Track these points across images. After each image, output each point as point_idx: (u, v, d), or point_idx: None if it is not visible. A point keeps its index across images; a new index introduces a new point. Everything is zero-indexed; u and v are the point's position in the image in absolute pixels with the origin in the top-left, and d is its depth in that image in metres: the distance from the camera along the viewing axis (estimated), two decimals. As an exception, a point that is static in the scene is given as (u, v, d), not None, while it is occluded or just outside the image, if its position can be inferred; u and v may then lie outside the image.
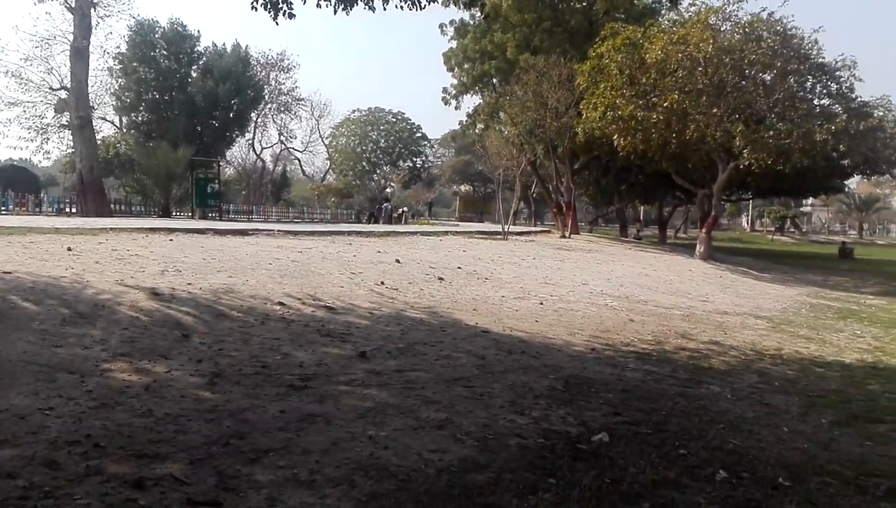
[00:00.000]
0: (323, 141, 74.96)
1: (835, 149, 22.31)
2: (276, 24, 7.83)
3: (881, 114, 22.81)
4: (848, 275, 25.78)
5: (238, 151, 65.93)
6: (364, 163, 75.19)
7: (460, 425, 4.74)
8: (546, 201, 44.41)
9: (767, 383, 7.10)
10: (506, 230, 25.24)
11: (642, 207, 58.28)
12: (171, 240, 12.76)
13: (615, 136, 23.00)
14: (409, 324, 8.01)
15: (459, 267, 13.76)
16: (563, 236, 29.66)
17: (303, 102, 65.02)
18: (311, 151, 76.23)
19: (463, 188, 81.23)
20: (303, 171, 78.26)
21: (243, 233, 15.61)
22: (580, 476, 3.99)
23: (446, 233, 23.42)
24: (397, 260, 13.30)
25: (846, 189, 53.86)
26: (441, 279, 11.87)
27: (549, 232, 34.61)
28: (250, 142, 64.13)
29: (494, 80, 34.87)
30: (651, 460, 4.36)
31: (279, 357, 6.10)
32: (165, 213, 33.65)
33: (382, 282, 10.65)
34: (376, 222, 37.61)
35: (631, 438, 4.78)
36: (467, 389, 5.69)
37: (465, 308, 9.72)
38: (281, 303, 8.14)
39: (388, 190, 70.28)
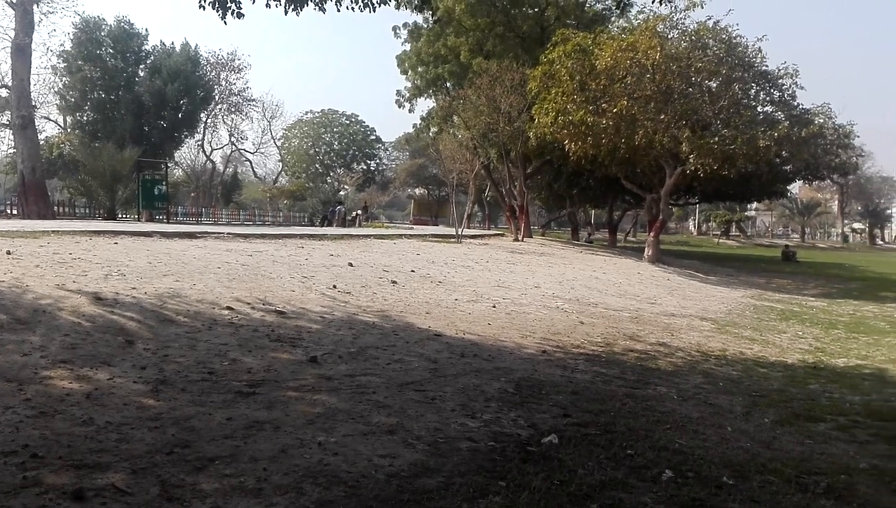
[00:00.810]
0: (275, 142, 73.94)
1: (777, 155, 23.05)
2: (225, 23, 7.70)
3: (822, 121, 23.66)
4: (790, 278, 26.65)
5: (187, 152, 64.55)
6: (317, 166, 74.49)
7: (411, 429, 4.72)
8: (500, 205, 44.73)
9: (712, 383, 7.28)
10: (459, 233, 25.33)
11: (593, 211, 59.19)
12: (115, 243, 12.40)
13: (566, 141, 23.34)
14: (361, 328, 7.96)
15: (413, 271, 13.73)
16: (517, 239, 29.91)
17: (254, 103, 64.00)
18: (262, 153, 75.01)
19: (417, 191, 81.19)
20: (254, 173, 77.02)
21: (191, 235, 15.28)
22: (530, 478, 4.01)
23: (400, 236, 23.37)
24: (350, 264, 13.20)
25: (789, 194, 55.67)
26: (394, 282, 11.83)
27: (502, 235, 34.86)
28: (200, 143, 62.82)
29: (448, 84, 35.00)
30: (599, 461, 4.42)
31: (227, 363, 5.98)
32: (111, 216, 32.69)
33: (335, 286, 10.55)
34: (330, 225, 37.28)
35: (580, 439, 4.84)
36: (419, 393, 5.67)
37: (419, 311, 9.70)
38: (229, 308, 7.99)
39: (341, 192, 69.75)
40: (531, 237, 33.12)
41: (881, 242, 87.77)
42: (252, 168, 76.56)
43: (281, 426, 4.57)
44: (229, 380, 5.50)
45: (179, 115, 50.29)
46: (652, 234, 27.20)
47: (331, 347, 6.91)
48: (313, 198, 57.80)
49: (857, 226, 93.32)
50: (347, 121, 76.05)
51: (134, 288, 8.27)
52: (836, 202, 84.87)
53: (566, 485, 3.96)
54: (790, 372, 8.37)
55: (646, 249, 26.64)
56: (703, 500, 3.94)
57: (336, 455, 4.14)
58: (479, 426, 4.98)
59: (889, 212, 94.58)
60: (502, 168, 33.76)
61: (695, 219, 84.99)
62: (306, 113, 76.46)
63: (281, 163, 75.72)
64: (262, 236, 17.18)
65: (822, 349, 10.32)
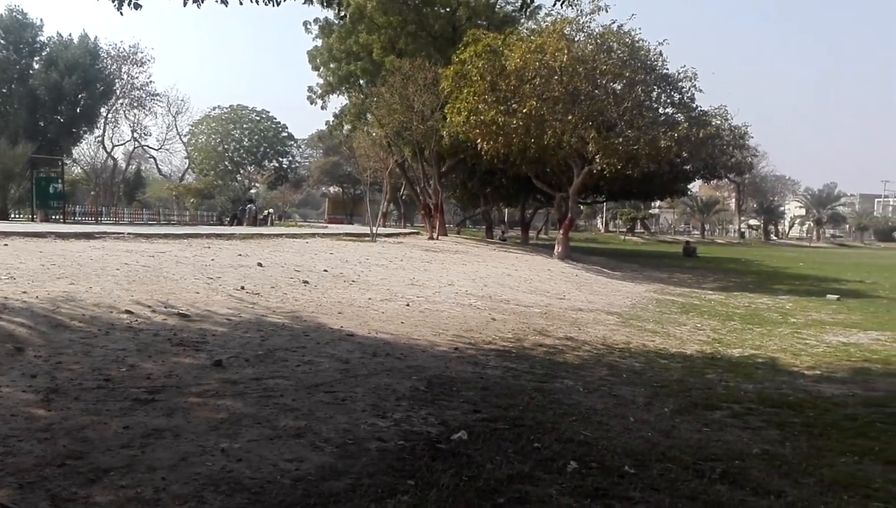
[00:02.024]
0: (181, 139, 71.32)
1: (678, 155, 24.10)
2: (121, 13, 7.32)
3: (718, 122, 24.86)
4: (691, 272, 27.93)
5: (87, 149, 61.36)
6: (226, 163, 72.37)
7: (319, 432, 4.65)
8: (415, 203, 44.79)
9: (616, 375, 7.53)
10: (374, 232, 25.18)
11: (507, 209, 60.19)
12: (5, 244, 11.65)
13: (479, 140, 23.63)
14: (269, 330, 7.78)
15: (326, 270, 13.56)
16: (432, 237, 30.03)
17: (158, 98, 61.56)
18: (168, 150, 72.24)
19: (332, 189, 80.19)
20: (159, 171, 74.06)
21: (89, 236, 14.52)
22: (439, 475, 4.02)
23: (313, 235, 23.03)
24: (259, 264, 12.89)
25: (689, 192, 58.41)
26: (306, 282, 11.64)
27: (418, 233, 34.91)
28: (100, 139, 59.85)
29: (361, 81, 34.73)
30: (507, 455, 4.48)
31: (125, 369, 5.71)
32: (2, 216, 30.73)
33: (242, 287, 10.28)
34: (239, 224, 36.29)
35: (489, 435, 4.90)
36: (329, 394, 5.60)
37: (331, 311, 9.58)
38: (128, 312, 7.64)
39: (252, 190, 68.00)
40: (446, 235, 33.34)
41: (775, 238, 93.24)
42: (157, 165, 73.69)
43: (181, 433, 4.41)
44: (127, 387, 5.25)
45: (77, 110, 47.81)
46: (561, 232, 27.90)
47: (237, 350, 6.72)
48: (222, 196, 56.10)
49: (752, 222, 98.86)
50: (258, 118, 74.24)
51: (24, 293, 7.79)
52: (734, 200, 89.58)
53: (474, 481, 3.99)
54: (689, 362, 8.76)
55: (556, 246, 27.30)
56: (606, 490, 4.06)
57: (240, 462, 4.02)
58: (390, 425, 4.97)
59: (782, 209, 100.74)
60: (417, 166, 33.82)
61: (602, 217, 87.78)
62: (214, 108, 74.15)
63: (188, 161, 73.14)
64: (166, 236, 16.55)
65: (719, 340, 10.86)
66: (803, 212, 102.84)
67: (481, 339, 8.94)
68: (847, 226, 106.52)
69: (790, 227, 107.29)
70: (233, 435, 4.45)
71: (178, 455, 4.04)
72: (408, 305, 10.99)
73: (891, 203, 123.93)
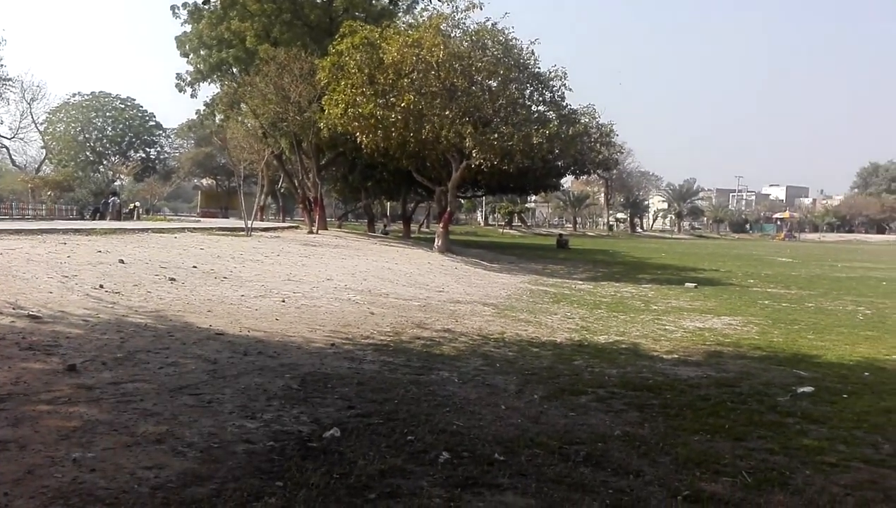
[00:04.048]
0: (37, 127, 65.69)
1: (550, 151, 24.94)
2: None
3: (587, 120, 25.97)
4: (563, 264, 29.07)
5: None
6: (88, 153, 67.57)
7: (182, 437, 4.43)
8: (294, 196, 43.76)
9: (490, 365, 7.71)
10: (249, 226, 24.36)
11: (389, 203, 60.11)
12: None
13: (358, 133, 23.43)
14: (130, 331, 7.33)
15: (195, 267, 12.96)
16: (311, 232, 29.45)
17: (10, 83, 56.30)
18: (22, 139, 66.25)
19: (205, 182, 76.88)
20: (13, 162, 67.92)
21: (-78, 233, 13.11)
22: (309, 475, 3.95)
23: (183, 229, 21.96)
24: (121, 261, 12.13)
25: (562, 187, 60.74)
26: (172, 280, 11.07)
27: (297, 227, 34.14)
28: (-60, 126, 54.06)
29: (234, 69, 33.48)
30: (380, 450, 4.47)
31: (-39, 379, 5.20)
32: None
33: (102, 286, 9.63)
34: (102, 218, 33.99)
35: (363, 430, 4.86)
36: (194, 397, 5.35)
37: (199, 310, 9.18)
38: (-32, 315, 6.96)
39: (116, 183, 63.93)
40: (327, 229, 32.80)
41: (640, 230, 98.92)
42: (10, 155, 67.53)
43: (28, 444, 4.07)
44: (-37, 399, 4.78)
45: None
46: (441, 226, 28.22)
47: (93, 353, 6.28)
48: (83, 188, 52.37)
49: (620, 215, 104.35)
50: (122, 105, 69.81)
51: None
52: (603, 195, 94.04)
53: (346, 478, 3.95)
54: (559, 350, 9.11)
55: (436, 240, 27.58)
56: (476, 478, 4.14)
57: (93, 472, 3.77)
58: (259, 426, 4.81)
59: (647, 203, 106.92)
60: (295, 159, 33.06)
61: (482, 211, 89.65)
62: (74, 95, 68.90)
63: (45, 151, 67.56)
64: (18, 232, 15.24)
65: (587, 327, 11.37)
66: (666, 205, 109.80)
67: (359, 334, 8.87)
68: (705, 218, 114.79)
69: (654, 220, 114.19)
70: (86, 444, 4.16)
71: (24, 467, 3.73)
72: (283, 301, 10.72)
73: (744, 197, 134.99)
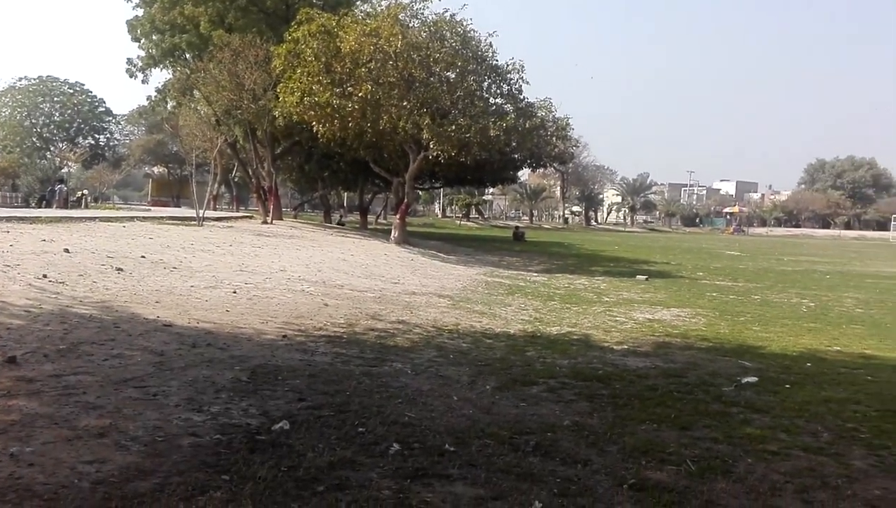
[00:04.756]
0: (-21, 112, 63.38)
1: (507, 144, 25.05)
2: None
3: (543, 114, 26.10)
4: (519, 256, 29.29)
5: None
6: (34, 139, 65.46)
7: (126, 430, 4.33)
8: (249, 186, 43.06)
9: (444, 356, 7.72)
10: (201, 215, 23.87)
11: (346, 194, 59.61)
12: None
13: (314, 123, 23.14)
14: (75, 322, 7.11)
15: (143, 257, 12.65)
16: (265, 222, 29.02)
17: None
18: (-38, 124, 63.91)
19: (156, 170, 75.12)
20: (-47, 148, 65.39)
21: None
22: (256, 468, 3.90)
23: (132, 218, 21.41)
24: (66, 250, 11.76)
25: (519, 180, 61.11)
26: (120, 270, 10.78)
27: (251, 217, 33.59)
28: None
29: (187, 55, 32.72)
30: (330, 442, 4.44)
31: None
32: None
33: (45, 276, 9.32)
34: (48, 206, 32.93)
35: (313, 422, 4.82)
36: (139, 390, 5.23)
37: (147, 301, 8.96)
38: None
39: (63, 170, 62.07)
40: (282, 219, 32.36)
41: (595, 223, 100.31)
42: (-51, 141, 64.96)
43: (-38, 441, 3.92)
44: None
45: None
46: (398, 217, 28.12)
47: (35, 345, 6.08)
48: (29, 175, 50.80)
49: (575, 208, 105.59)
50: (71, 90, 67.76)
51: None
52: (559, 188, 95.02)
53: (294, 471, 3.92)
54: (512, 341, 9.18)
55: (393, 231, 27.48)
56: (427, 469, 4.15)
57: (32, 467, 3.66)
58: (206, 419, 4.73)
59: (601, 196, 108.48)
60: (249, 147, 32.49)
61: (440, 203, 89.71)
62: (20, 79, 66.58)
63: (-12, 136, 65.18)
64: (-46, 220, 14.64)
65: (540, 319, 11.48)
66: (620, 199, 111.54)
67: (312, 326, 8.79)
68: (658, 212, 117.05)
69: (608, 213, 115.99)
70: (25, 438, 4.04)
71: (-43, 464, 3.59)
72: (234, 292, 10.54)
73: (695, 191, 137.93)
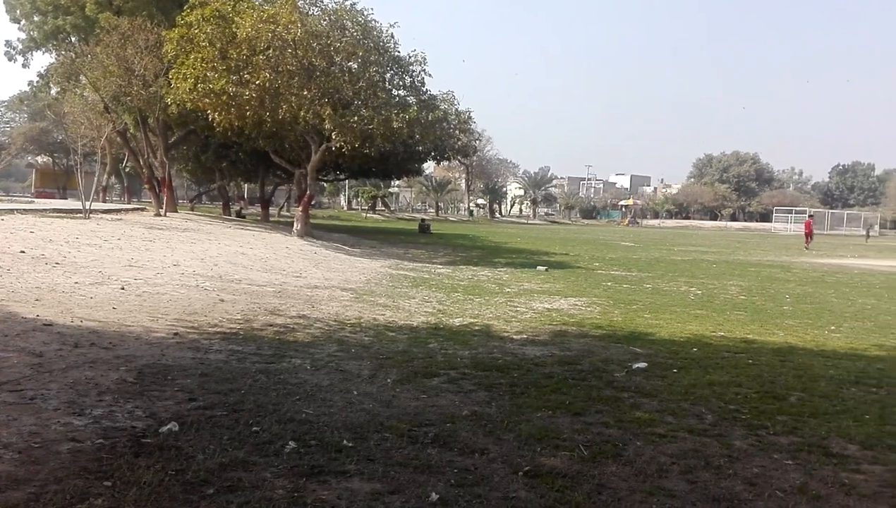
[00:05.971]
0: None
1: (410, 136, 24.99)
2: None
3: (446, 107, 26.20)
4: (424, 248, 29.37)
5: None
6: None
7: (-2, 438, 4.05)
8: (141, 176, 41.02)
9: (345, 350, 7.64)
10: (88, 208, 22.54)
11: (246, 185, 57.89)
12: None
13: (209, 111, 22.29)
14: (-60, 324, 6.58)
15: (23, 251, 11.83)
16: (158, 214, 27.73)
17: None
18: None
19: (40, 159, 70.38)
20: None
21: None
22: (141, 473, 3.73)
23: (12, 211, 19.96)
24: (-68, 246, 10.85)
25: (424, 172, 61.28)
26: (-6, 266, 10.04)
27: (143, 209, 32.01)
28: None
29: (72, 38, 30.72)
30: (222, 443, 4.31)
31: None
32: None
33: None
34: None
35: (204, 423, 4.67)
36: (14, 394, 4.89)
37: (26, 298, 8.39)
38: None
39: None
40: (176, 211, 31.01)
41: (499, 216, 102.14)
42: None
43: None
44: None
45: None
46: (301, 209, 27.57)
47: None
48: None
49: (480, 201, 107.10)
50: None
51: None
52: (464, 181, 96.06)
53: (182, 474, 3.78)
54: (415, 333, 9.19)
55: (295, 223, 26.93)
56: (323, 466, 4.10)
57: None
58: (88, 423, 4.49)
59: (505, 189, 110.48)
60: (140, 136, 30.93)
61: (346, 195, 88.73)
62: None
63: None
64: None
65: (444, 311, 11.56)
66: (522, 192, 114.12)
67: (206, 322, 8.49)
68: (558, 205, 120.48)
69: (511, 206, 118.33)
70: None
71: None
72: (123, 289, 10.03)
73: (593, 185, 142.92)
